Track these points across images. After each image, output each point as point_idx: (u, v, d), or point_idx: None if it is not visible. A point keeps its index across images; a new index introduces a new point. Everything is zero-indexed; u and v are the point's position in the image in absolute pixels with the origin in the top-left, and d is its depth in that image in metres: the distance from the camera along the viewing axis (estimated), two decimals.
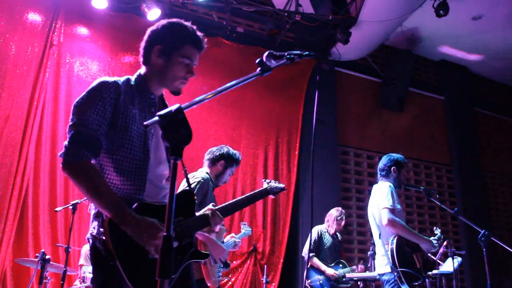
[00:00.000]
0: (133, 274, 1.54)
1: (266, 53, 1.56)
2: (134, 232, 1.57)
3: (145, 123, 1.24)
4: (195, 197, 1.92)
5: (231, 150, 3.33)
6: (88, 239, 1.72)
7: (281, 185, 2.85)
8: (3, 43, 5.07)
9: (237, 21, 6.61)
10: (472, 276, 7.18)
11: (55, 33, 5.40)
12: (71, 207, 4.02)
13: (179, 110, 1.19)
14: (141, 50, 1.91)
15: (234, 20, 6.40)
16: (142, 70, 1.91)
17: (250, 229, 3.78)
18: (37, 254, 3.73)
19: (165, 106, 1.94)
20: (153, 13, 5.48)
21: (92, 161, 1.65)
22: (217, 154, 3.27)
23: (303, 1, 6.08)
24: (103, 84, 1.72)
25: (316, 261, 5.02)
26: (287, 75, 6.62)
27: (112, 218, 1.58)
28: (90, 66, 5.58)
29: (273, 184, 2.81)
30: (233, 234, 3.49)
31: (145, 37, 1.90)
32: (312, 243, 5.08)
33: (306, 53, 1.56)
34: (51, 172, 5.00)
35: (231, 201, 2.48)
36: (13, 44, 5.13)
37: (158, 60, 1.83)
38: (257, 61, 1.54)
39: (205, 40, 1.88)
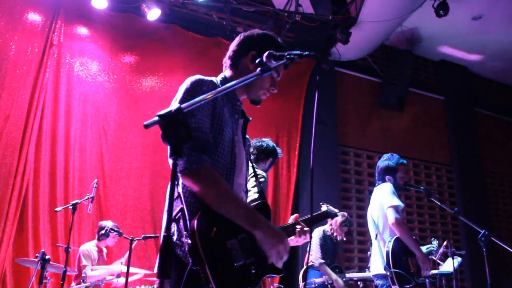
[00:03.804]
0: (220, 281, 1.47)
1: (266, 53, 1.55)
2: (266, 236, 1.56)
3: (145, 123, 1.23)
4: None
5: (274, 145, 3.23)
6: None
7: (336, 210, 2.77)
8: (3, 43, 5.07)
9: (237, 21, 6.60)
10: (472, 276, 7.18)
11: (55, 33, 5.40)
12: (71, 207, 4.02)
13: (179, 110, 1.18)
14: (230, 53, 1.89)
15: (234, 20, 6.40)
16: (227, 73, 1.88)
17: None
18: (37, 254, 3.73)
19: (245, 115, 1.90)
20: (153, 13, 5.48)
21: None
22: (268, 149, 3.15)
23: (303, 1, 6.08)
24: (200, 81, 1.68)
25: (326, 269, 4.81)
26: (287, 75, 6.58)
27: (243, 222, 1.55)
28: (90, 66, 5.58)
29: (330, 207, 2.74)
30: None
31: (236, 42, 1.89)
32: (321, 248, 4.91)
33: (306, 53, 1.54)
34: (51, 172, 5.00)
35: (311, 215, 2.34)
36: (13, 44, 5.12)
37: (250, 65, 1.82)
38: (257, 61, 1.53)
39: None
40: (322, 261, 4.84)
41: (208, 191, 1.55)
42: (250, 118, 1.93)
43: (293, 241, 1.98)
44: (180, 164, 1.55)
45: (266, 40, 1.86)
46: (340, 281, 4.84)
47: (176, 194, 1.65)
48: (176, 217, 1.59)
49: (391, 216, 3.28)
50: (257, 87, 1.83)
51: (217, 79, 1.81)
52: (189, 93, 1.64)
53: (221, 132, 1.67)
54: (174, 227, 1.59)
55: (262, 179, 2.88)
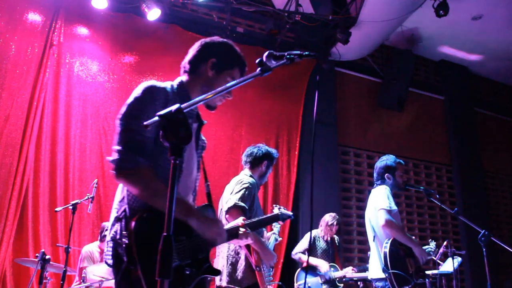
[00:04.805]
0: (151, 280, 1.49)
1: (266, 53, 1.55)
2: (200, 222, 1.69)
3: (145, 123, 1.24)
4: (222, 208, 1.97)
5: (269, 148, 3.36)
6: (107, 242, 1.67)
7: (290, 213, 2.90)
8: (3, 43, 5.07)
9: (237, 21, 6.60)
10: (472, 276, 7.18)
11: (55, 33, 5.40)
12: (71, 207, 4.02)
13: (179, 110, 1.19)
14: (190, 58, 1.92)
15: (234, 20, 6.40)
16: (184, 78, 1.90)
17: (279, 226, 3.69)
18: (37, 254, 3.73)
19: (200, 119, 1.92)
20: (153, 13, 5.48)
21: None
22: (260, 154, 3.28)
23: (303, 1, 6.07)
24: (153, 88, 1.72)
25: (303, 257, 5.10)
26: (287, 75, 6.62)
27: (179, 214, 1.60)
28: (90, 66, 5.58)
29: (283, 210, 2.84)
30: (274, 231, 3.41)
31: (197, 47, 1.93)
32: (302, 245, 5.20)
33: (306, 53, 1.54)
34: (51, 172, 5.00)
35: (256, 219, 2.53)
36: (13, 44, 5.12)
37: (209, 72, 1.86)
38: (257, 61, 1.53)
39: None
40: (299, 254, 5.19)
41: (142, 189, 1.62)
42: (205, 122, 1.95)
43: (234, 241, 2.18)
44: (114, 163, 1.61)
45: (227, 48, 1.91)
46: (324, 264, 4.99)
47: (121, 196, 1.72)
48: (120, 217, 1.65)
49: (382, 218, 3.31)
50: None
51: (173, 83, 1.85)
52: (139, 101, 1.69)
53: None
54: (118, 226, 1.65)
55: (246, 185, 3.03)
